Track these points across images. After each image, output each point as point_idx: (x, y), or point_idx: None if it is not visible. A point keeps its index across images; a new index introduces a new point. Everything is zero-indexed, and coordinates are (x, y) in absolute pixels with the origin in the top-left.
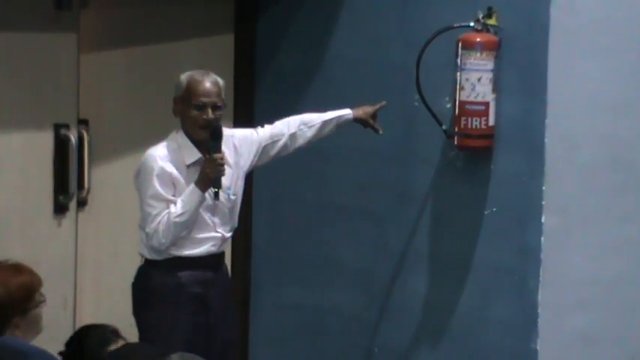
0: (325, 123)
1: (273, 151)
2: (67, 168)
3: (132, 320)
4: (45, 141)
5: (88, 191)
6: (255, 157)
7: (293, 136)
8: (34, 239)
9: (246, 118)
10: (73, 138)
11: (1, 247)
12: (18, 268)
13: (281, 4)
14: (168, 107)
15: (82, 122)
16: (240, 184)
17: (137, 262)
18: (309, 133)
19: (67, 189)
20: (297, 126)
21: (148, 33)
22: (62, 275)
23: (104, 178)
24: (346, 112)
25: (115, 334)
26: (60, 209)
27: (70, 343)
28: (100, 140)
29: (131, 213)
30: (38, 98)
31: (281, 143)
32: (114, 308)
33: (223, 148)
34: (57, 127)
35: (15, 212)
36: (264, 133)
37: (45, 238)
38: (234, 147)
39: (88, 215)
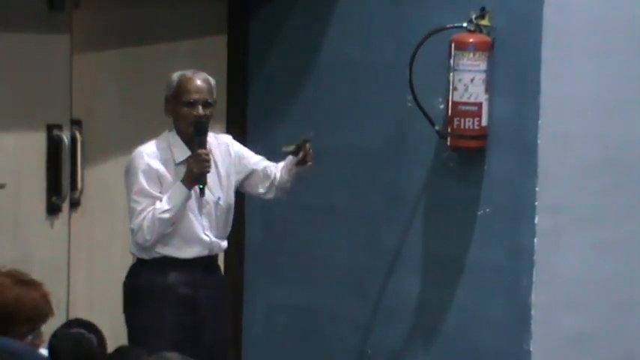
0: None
1: (252, 185)
2: (60, 169)
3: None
4: (38, 142)
5: (81, 192)
6: (242, 177)
7: (273, 185)
8: (26, 240)
9: (238, 119)
10: (66, 139)
11: None
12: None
13: (274, 4)
14: (161, 108)
15: (75, 123)
16: (231, 192)
17: (130, 263)
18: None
19: (60, 190)
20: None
21: (140, 34)
22: (55, 276)
23: (97, 179)
24: (280, 165)
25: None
26: (53, 210)
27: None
28: (93, 141)
29: (124, 214)
30: (31, 99)
31: (266, 184)
32: (107, 309)
33: (218, 153)
34: (50, 128)
35: (8, 213)
36: (259, 162)
37: (38, 240)
38: (230, 155)
39: (80, 216)
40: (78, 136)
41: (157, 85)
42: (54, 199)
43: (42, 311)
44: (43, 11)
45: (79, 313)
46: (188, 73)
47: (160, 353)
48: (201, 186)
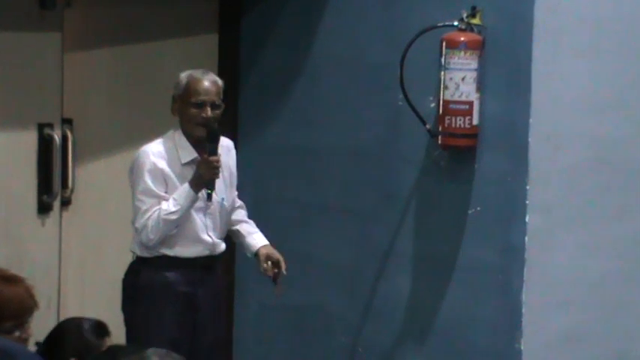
0: (240, 236)
1: None
2: (51, 168)
3: (116, 319)
4: (29, 140)
5: (72, 191)
6: None
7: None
8: (17, 239)
9: (230, 118)
10: (57, 137)
11: None
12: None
13: (265, 4)
14: (153, 106)
15: (66, 122)
16: (234, 194)
17: (121, 261)
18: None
19: (51, 189)
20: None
21: (132, 32)
22: (46, 275)
23: (88, 178)
24: (260, 243)
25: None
26: (44, 209)
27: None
28: (84, 140)
29: (115, 212)
30: (22, 98)
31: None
32: (98, 308)
33: (224, 155)
34: (41, 127)
35: None
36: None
37: (29, 238)
38: (234, 159)
39: (72, 215)
40: (69, 134)
41: (148, 83)
42: (45, 197)
43: (27, 305)
44: (34, 10)
45: (71, 311)
46: (197, 73)
47: (143, 352)
48: (209, 191)
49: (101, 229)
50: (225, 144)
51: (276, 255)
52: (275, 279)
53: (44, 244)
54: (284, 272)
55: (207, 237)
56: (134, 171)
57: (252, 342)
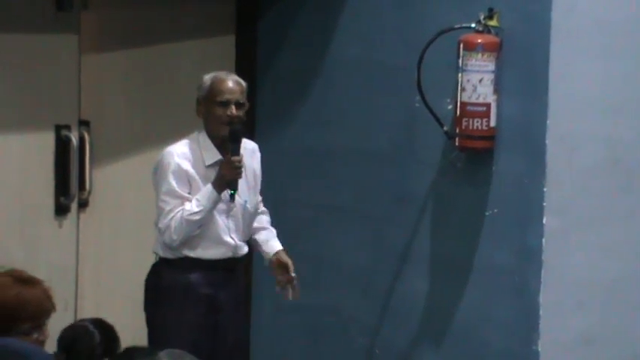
0: (257, 245)
1: None
2: (68, 169)
3: (133, 321)
4: (46, 142)
5: (90, 192)
6: None
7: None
8: (35, 241)
9: (247, 119)
10: (74, 139)
11: (2, 249)
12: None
13: (282, 5)
14: (169, 108)
15: (83, 123)
16: (257, 196)
17: (139, 263)
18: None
19: (69, 190)
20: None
21: (148, 34)
22: (63, 277)
23: (105, 180)
24: (272, 252)
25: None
26: (61, 211)
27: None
28: (102, 141)
29: (132, 214)
30: (39, 99)
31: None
32: (115, 310)
33: (248, 158)
34: (58, 129)
35: (16, 214)
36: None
37: (46, 240)
38: (258, 162)
39: (89, 216)
40: (86, 136)
41: (165, 85)
42: (62, 199)
43: (44, 307)
44: (50, 12)
45: (87, 313)
46: (221, 74)
47: (157, 353)
48: (232, 192)
49: (118, 230)
50: (250, 147)
51: (284, 259)
52: (289, 284)
53: (61, 246)
54: (292, 274)
55: (230, 239)
56: (158, 172)
57: (268, 344)
